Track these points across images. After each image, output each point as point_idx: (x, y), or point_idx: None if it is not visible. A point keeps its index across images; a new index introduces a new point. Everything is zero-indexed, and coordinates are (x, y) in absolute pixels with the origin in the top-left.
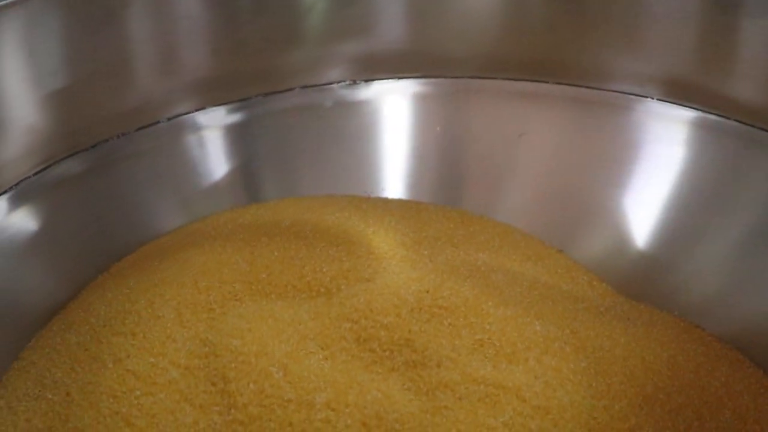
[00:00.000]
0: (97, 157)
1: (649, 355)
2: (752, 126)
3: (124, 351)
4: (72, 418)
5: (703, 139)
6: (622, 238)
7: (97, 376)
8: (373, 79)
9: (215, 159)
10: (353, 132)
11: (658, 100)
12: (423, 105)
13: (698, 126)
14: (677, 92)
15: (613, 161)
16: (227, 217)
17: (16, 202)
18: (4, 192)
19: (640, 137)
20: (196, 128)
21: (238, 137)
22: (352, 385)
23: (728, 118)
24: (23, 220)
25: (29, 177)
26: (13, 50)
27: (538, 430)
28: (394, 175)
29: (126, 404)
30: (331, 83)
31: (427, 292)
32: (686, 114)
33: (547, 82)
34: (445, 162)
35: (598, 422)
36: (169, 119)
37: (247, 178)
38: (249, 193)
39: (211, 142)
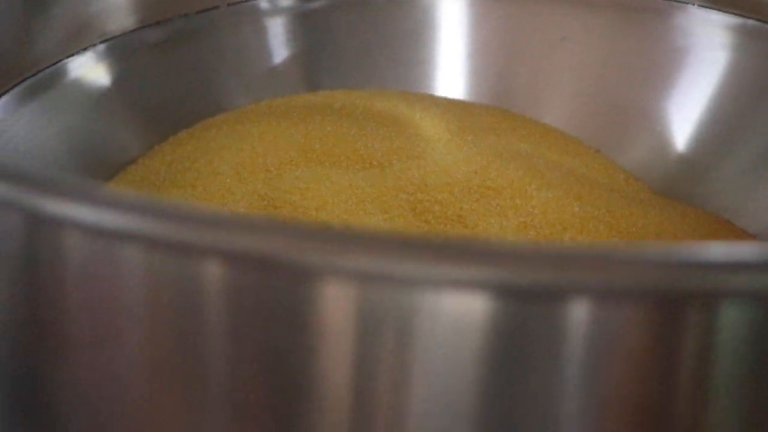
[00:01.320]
0: (163, 34)
1: (682, 236)
2: None
3: (183, 201)
4: None
5: (743, 44)
6: (660, 142)
7: None
8: None
9: (270, 47)
10: (404, 30)
11: (698, 5)
12: (472, 8)
13: (738, 31)
14: None
15: (652, 66)
16: (280, 101)
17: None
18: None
19: (680, 43)
20: (255, 15)
21: (293, 28)
22: None
23: None
24: (99, 79)
25: (96, 44)
26: None
27: None
28: (441, 74)
29: None
30: None
31: (475, 173)
32: (726, 19)
33: None
34: (489, 64)
35: None
36: (228, 5)
37: (301, 68)
38: (302, 83)
39: (268, 30)
